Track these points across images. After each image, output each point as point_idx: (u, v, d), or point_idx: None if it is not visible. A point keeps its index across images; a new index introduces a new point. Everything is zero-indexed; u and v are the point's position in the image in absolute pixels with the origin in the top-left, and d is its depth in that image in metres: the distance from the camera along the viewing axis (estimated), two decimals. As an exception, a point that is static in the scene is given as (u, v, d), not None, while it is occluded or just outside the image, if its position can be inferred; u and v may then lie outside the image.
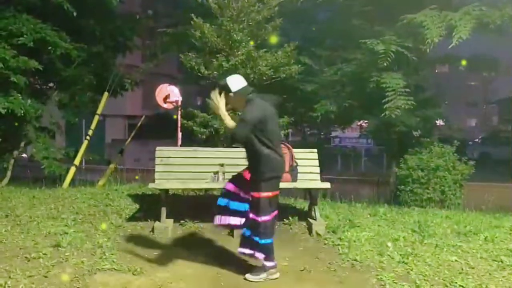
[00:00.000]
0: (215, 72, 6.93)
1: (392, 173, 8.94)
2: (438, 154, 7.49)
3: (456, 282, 3.46)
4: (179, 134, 7.27)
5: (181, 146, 6.95)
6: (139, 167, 10.71)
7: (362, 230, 4.83)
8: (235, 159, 5.18)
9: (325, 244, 4.54)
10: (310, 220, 4.93)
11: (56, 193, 6.18)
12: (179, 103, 7.48)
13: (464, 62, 9.42)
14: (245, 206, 3.57)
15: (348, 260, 4.01)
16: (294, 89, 10.41)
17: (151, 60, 12.20)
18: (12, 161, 8.53)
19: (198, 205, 5.55)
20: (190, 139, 7.35)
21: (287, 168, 4.46)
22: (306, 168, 5.05)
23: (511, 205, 7.50)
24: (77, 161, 7.96)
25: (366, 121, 11.42)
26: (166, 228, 4.61)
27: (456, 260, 3.97)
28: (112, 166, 8.38)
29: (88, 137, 8.24)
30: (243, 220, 3.58)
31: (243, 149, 3.68)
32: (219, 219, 3.66)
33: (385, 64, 7.67)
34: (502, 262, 3.97)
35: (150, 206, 5.32)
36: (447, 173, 7.26)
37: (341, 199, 7.04)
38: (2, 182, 8.06)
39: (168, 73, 18.67)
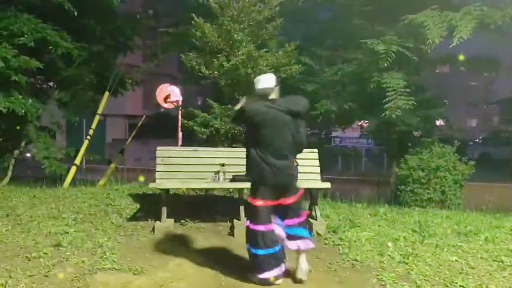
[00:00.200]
0: (215, 72, 6.94)
1: (393, 173, 8.94)
2: (439, 154, 7.49)
3: (456, 282, 3.46)
4: (180, 134, 7.29)
5: (181, 146, 6.96)
6: (140, 167, 10.72)
7: (363, 230, 4.83)
8: (236, 159, 5.19)
9: (325, 244, 4.54)
10: (311, 220, 4.93)
11: (57, 192, 6.18)
12: (180, 103, 7.49)
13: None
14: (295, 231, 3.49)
15: (348, 260, 4.01)
16: (294, 89, 10.39)
17: (151, 60, 12.22)
18: (12, 160, 8.54)
19: (199, 205, 5.56)
20: (191, 139, 7.35)
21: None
22: (306, 168, 5.04)
23: (512, 206, 7.51)
24: (77, 161, 7.97)
25: (366, 121, 11.42)
26: (167, 228, 4.62)
27: (456, 260, 3.97)
28: (112, 165, 8.39)
29: (88, 137, 8.24)
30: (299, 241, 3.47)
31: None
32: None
33: (385, 64, 7.67)
34: (502, 262, 3.97)
35: (150, 205, 5.34)
36: (447, 173, 7.26)
37: (341, 199, 7.05)
38: (2, 181, 8.07)
39: (169, 73, 18.68)
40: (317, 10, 11.49)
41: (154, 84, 8.27)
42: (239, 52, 6.77)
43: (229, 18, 6.94)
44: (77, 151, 8.17)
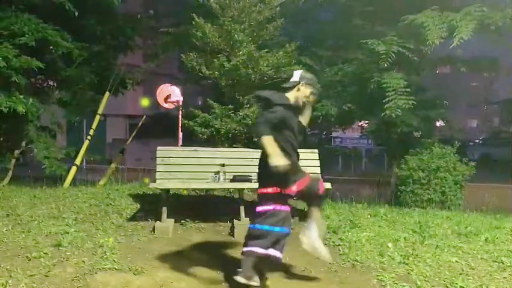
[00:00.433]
0: (216, 72, 6.94)
1: (393, 174, 8.93)
2: (439, 155, 7.49)
3: (456, 283, 3.46)
4: (180, 134, 7.29)
5: (182, 146, 6.97)
6: (140, 167, 10.71)
7: (363, 230, 4.84)
8: (236, 159, 5.20)
9: (325, 244, 4.53)
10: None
11: (57, 192, 6.19)
12: (180, 103, 7.50)
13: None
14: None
15: (348, 261, 4.01)
16: (295, 89, 10.38)
17: (152, 60, 12.20)
18: (13, 160, 8.54)
19: (199, 205, 5.56)
20: (191, 139, 7.36)
21: None
22: (307, 168, 5.02)
23: (512, 206, 7.51)
24: (78, 161, 7.97)
25: (367, 121, 11.41)
26: (167, 228, 4.62)
27: (456, 261, 3.97)
28: (113, 165, 8.40)
29: (89, 137, 8.25)
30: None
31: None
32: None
33: (385, 65, 7.67)
34: (502, 263, 3.97)
35: (151, 206, 5.34)
36: (447, 174, 7.26)
37: (341, 199, 7.05)
38: (3, 181, 8.07)
39: (169, 73, 18.68)
40: (318, 11, 11.48)
41: (155, 84, 8.27)
42: (240, 53, 6.78)
43: (229, 19, 6.95)
44: (78, 151, 8.18)
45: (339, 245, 4.44)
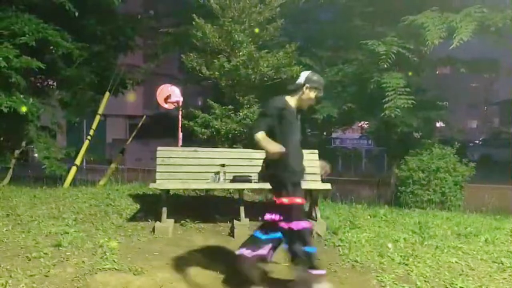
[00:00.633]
0: (216, 73, 6.95)
1: (393, 174, 8.93)
2: (439, 156, 7.49)
3: (456, 284, 3.47)
4: (180, 134, 7.29)
5: (182, 146, 6.97)
6: (140, 167, 10.72)
7: (363, 231, 4.84)
8: (236, 159, 5.20)
9: (325, 245, 4.55)
10: (311, 221, 4.93)
11: (57, 192, 6.19)
12: (180, 104, 7.50)
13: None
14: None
15: (348, 261, 4.02)
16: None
17: (152, 60, 12.21)
18: (13, 160, 8.54)
19: (199, 206, 5.56)
20: (191, 139, 7.36)
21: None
22: (306, 169, 5.03)
23: (512, 207, 7.51)
24: (78, 161, 7.98)
25: (367, 122, 11.41)
26: (167, 228, 4.62)
27: (456, 262, 3.98)
28: (113, 166, 8.39)
29: (89, 137, 8.25)
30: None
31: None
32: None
33: (385, 65, 7.68)
34: (502, 264, 3.98)
35: (150, 206, 5.33)
36: (447, 175, 7.26)
37: (341, 200, 7.05)
38: (3, 181, 8.07)
39: (169, 73, 18.69)
40: (318, 11, 11.50)
41: (155, 85, 8.27)
42: (240, 53, 6.78)
43: (230, 19, 6.96)
44: (78, 151, 8.18)
45: (339, 245, 4.44)
